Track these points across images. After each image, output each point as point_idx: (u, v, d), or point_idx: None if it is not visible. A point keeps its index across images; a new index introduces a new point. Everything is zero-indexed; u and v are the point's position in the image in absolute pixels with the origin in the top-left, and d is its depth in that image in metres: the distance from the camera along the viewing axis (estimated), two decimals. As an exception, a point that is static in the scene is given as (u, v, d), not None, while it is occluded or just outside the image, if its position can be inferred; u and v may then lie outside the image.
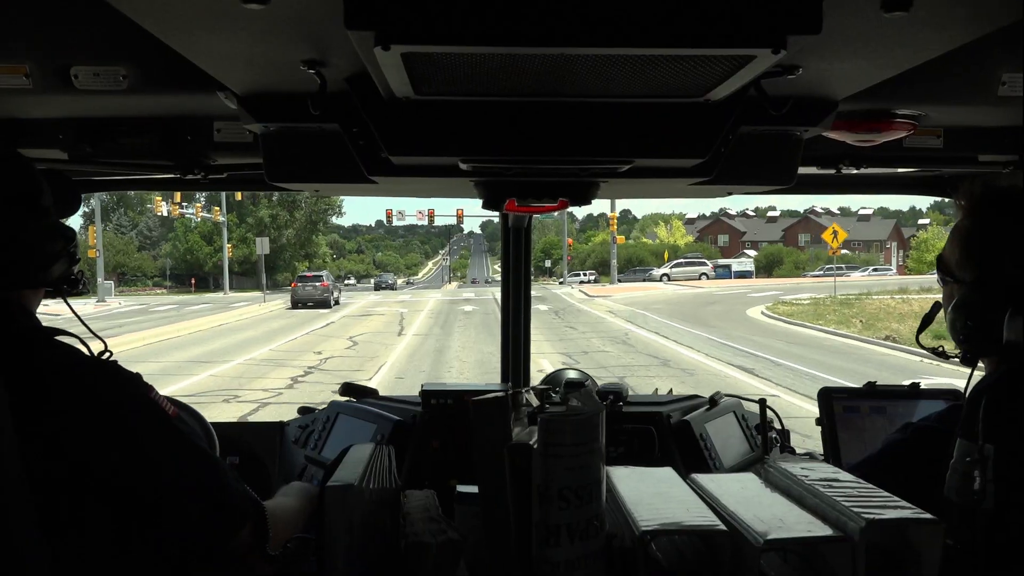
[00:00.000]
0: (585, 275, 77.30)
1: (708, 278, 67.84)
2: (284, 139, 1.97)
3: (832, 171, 2.51)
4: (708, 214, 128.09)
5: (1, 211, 1.62)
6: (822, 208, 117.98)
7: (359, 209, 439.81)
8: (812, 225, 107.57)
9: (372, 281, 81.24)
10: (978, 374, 1.79)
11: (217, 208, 66.23)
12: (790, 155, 2.02)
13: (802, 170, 2.19)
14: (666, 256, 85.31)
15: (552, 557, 1.20)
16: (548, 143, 1.73)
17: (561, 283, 72.55)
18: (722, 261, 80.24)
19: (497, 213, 2.68)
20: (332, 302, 40.50)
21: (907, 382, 2.67)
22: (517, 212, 2.40)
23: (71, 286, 1.79)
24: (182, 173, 2.44)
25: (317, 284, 41.44)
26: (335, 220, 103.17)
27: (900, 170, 2.71)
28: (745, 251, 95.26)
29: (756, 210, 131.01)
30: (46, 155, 2.32)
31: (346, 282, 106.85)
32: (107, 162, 2.39)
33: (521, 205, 2.12)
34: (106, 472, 1.52)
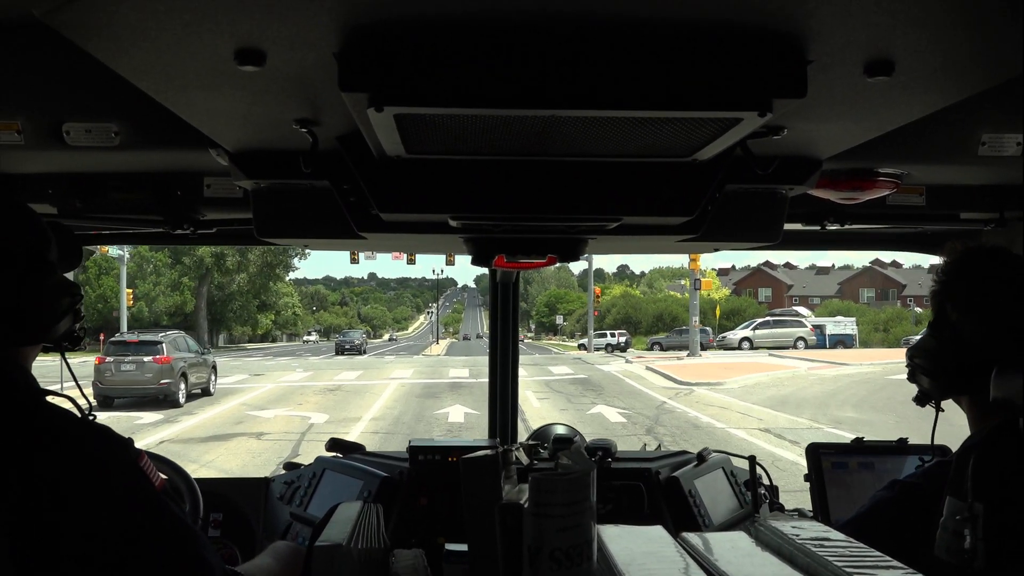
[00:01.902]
0: (614, 335, 61.62)
1: (807, 345, 50.63)
2: (274, 195, 1.98)
3: (817, 227, 2.54)
4: (742, 266, 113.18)
5: (8, 265, 1.61)
6: (890, 260, 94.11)
7: (348, 262, 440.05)
8: (877, 278, 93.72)
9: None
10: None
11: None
12: (776, 212, 2.05)
13: (788, 226, 2.22)
14: (717, 312, 67.65)
15: (543, 619, 1.19)
16: (537, 201, 1.75)
17: (582, 347, 59.32)
18: (812, 320, 58.97)
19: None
20: (176, 394, 21.40)
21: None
22: (506, 268, 2.41)
23: (73, 343, 1.78)
24: (171, 228, 2.45)
25: (145, 359, 21.16)
26: (298, 263, 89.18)
27: (884, 227, 2.74)
28: (794, 307, 76.45)
29: (813, 266, 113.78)
30: (35, 210, 2.32)
31: (305, 338, 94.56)
32: (97, 217, 2.39)
33: (510, 261, 2.13)
34: (86, 541, 1.49)
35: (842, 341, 52.43)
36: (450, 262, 41.09)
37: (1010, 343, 1.66)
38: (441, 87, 1.21)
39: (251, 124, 1.61)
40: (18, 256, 1.62)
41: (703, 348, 51.11)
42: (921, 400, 1.94)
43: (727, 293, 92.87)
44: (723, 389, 24.80)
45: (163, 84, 1.38)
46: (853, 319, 58.51)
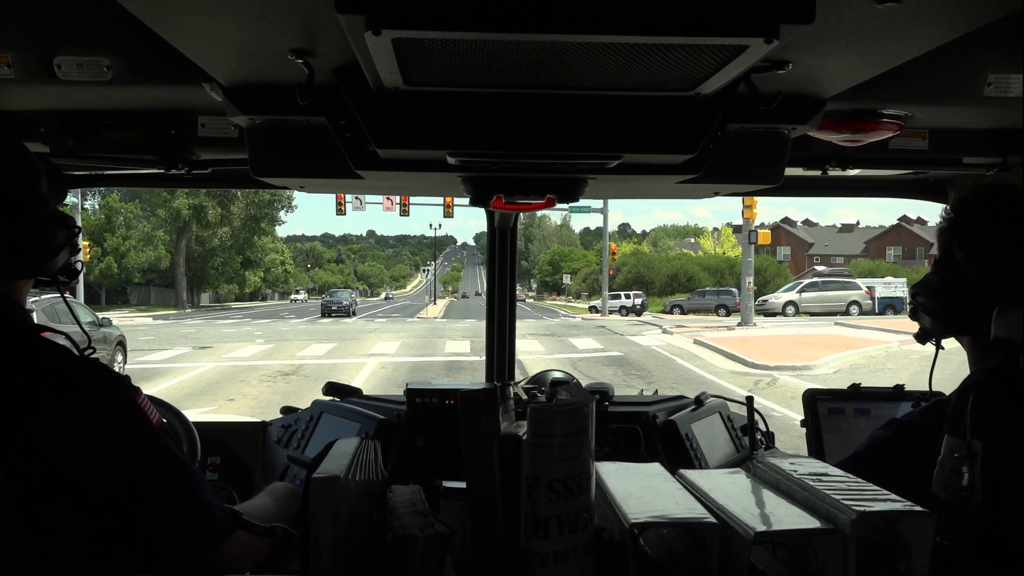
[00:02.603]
0: (629, 296, 54.97)
1: (860, 310, 44.82)
2: (269, 132, 1.96)
3: (818, 172, 2.52)
4: (759, 223, 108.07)
5: (1, 199, 1.59)
6: (916, 216, 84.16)
7: (349, 218, 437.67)
8: (904, 235, 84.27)
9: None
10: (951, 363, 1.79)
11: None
12: (777, 154, 2.03)
13: (788, 171, 2.20)
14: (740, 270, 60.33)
15: (540, 549, 1.19)
16: (537, 137, 1.72)
17: (594, 310, 54.23)
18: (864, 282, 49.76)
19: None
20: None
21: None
22: (503, 210, 2.39)
23: (70, 276, 1.77)
24: (166, 168, 2.42)
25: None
26: (285, 216, 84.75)
27: (885, 172, 2.72)
28: (816, 267, 69.63)
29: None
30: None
31: (293, 297, 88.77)
32: (90, 156, 2.36)
33: (508, 202, 2.11)
34: (84, 476, 1.49)
35: (892, 305, 45.60)
36: (448, 214, 38.38)
37: (1014, 284, 1.65)
38: (440, 8, 1.18)
39: (245, 54, 1.58)
40: (10, 189, 1.60)
41: (728, 312, 48.21)
42: (922, 338, 1.94)
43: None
44: (815, 376, 18.48)
45: (155, 9, 1.34)
46: (903, 280, 49.73)
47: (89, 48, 1.82)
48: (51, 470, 1.47)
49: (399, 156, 1.88)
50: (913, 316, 1.95)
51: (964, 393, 1.59)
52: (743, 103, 1.70)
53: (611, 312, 50.22)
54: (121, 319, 27.04)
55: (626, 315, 50.48)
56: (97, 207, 58.04)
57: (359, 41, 1.27)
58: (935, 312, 1.86)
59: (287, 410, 3.09)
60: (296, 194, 66.63)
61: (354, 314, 52.42)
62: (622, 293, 56.64)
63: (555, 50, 1.32)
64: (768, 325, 35.06)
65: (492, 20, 1.19)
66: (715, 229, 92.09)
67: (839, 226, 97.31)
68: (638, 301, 54.48)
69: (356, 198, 38.32)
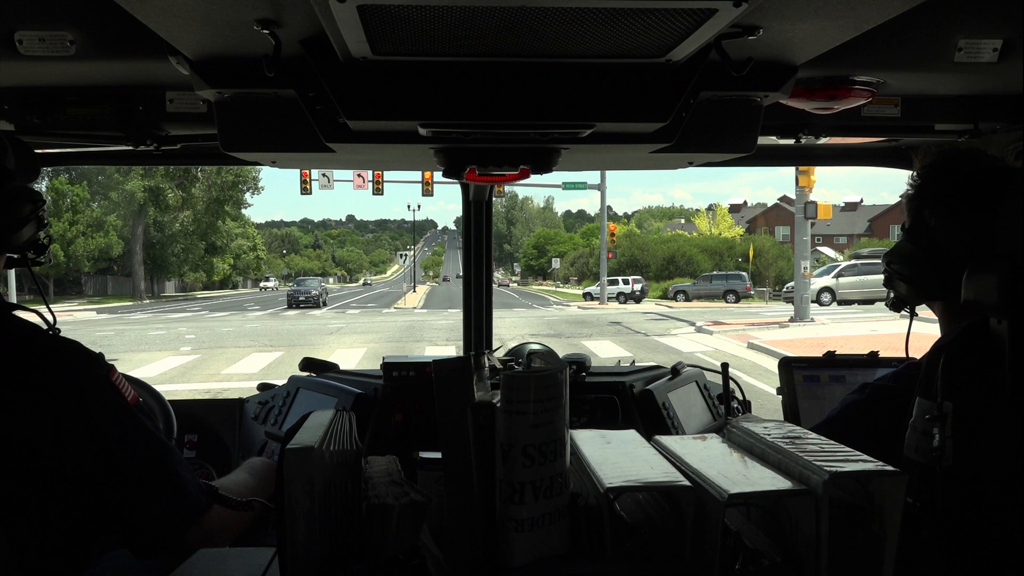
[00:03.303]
0: (627, 282, 49.98)
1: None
2: (238, 106, 1.93)
3: (791, 141, 2.53)
4: (756, 202, 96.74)
5: None
6: None
7: (328, 203, 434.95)
8: None
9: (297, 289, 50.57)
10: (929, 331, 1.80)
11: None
12: (750, 122, 2.03)
13: (762, 140, 2.20)
14: (751, 253, 56.42)
15: (516, 514, 1.19)
16: (509, 106, 1.71)
17: (589, 296, 50.35)
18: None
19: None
20: None
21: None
22: (478, 182, 2.38)
23: (38, 252, 1.75)
24: (134, 144, 2.39)
25: None
26: (251, 198, 74.66)
27: (858, 140, 2.73)
28: (818, 248, 66.23)
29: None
30: None
31: (262, 285, 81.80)
32: (56, 133, 2.33)
33: (482, 174, 2.09)
34: (59, 454, 1.49)
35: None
36: (427, 192, 35.14)
37: (985, 246, 1.67)
38: None
39: (211, 25, 1.55)
40: None
41: (738, 298, 44.54)
42: (896, 305, 1.96)
43: (741, 231, 79.25)
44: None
45: None
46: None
47: (51, 22, 1.78)
48: (25, 448, 1.46)
49: (370, 128, 1.86)
50: (888, 284, 1.97)
51: (935, 355, 1.60)
52: (715, 70, 1.69)
53: (609, 299, 45.99)
54: (62, 312, 24.03)
55: (624, 302, 46.74)
56: (44, 189, 49.63)
57: (324, 9, 1.26)
58: (910, 278, 1.87)
59: (264, 386, 3.08)
60: (264, 175, 62.86)
61: (324, 304, 47.83)
62: (620, 278, 51.18)
63: (523, 16, 1.31)
64: (826, 319, 28.28)
65: None
66: (710, 208, 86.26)
67: (842, 204, 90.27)
68: (637, 287, 49.94)
69: (323, 175, 34.89)
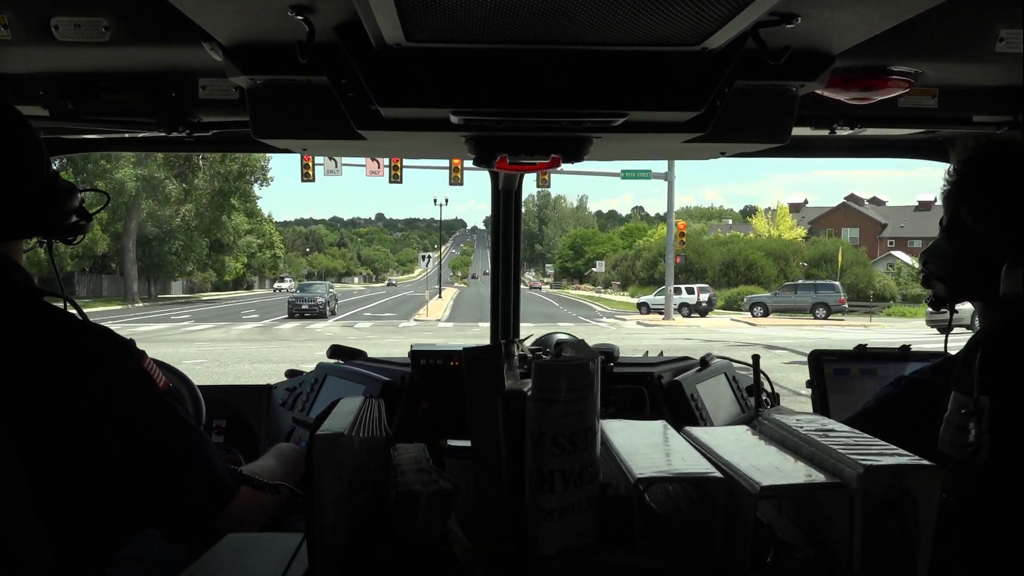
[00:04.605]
0: (691, 291, 42.90)
1: None
2: (271, 93, 1.94)
3: (825, 132, 2.49)
4: (817, 203, 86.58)
5: (15, 161, 1.60)
6: None
7: (356, 202, 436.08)
8: None
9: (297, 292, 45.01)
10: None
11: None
12: (785, 112, 2.00)
13: (796, 131, 2.17)
14: (840, 258, 49.78)
15: (545, 503, 1.18)
16: (542, 94, 1.70)
17: (647, 308, 42.88)
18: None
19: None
20: None
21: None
22: (508, 171, 2.37)
23: (67, 233, 1.79)
24: (167, 130, 2.41)
25: None
26: (259, 189, 69.66)
27: (894, 132, 2.69)
28: (891, 252, 63.53)
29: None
30: (27, 112, 2.28)
31: (276, 286, 76.86)
32: (89, 119, 2.34)
33: (513, 163, 2.09)
34: (92, 440, 1.50)
35: None
36: (456, 180, 31.13)
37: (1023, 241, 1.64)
38: None
39: (245, 12, 1.55)
40: (17, 152, 1.61)
41: (828, 312, 38.14)
42: (936, 304, 1.93)
43: (803, 233, 73.34)
44: None
45: None
46: None
47: (87, 8, 1.80)
48: (58, 434, 1.47)
49: (402, 115, 1.86)
50: (925, 283, 1.93)
51: (972, 349, 1.58)
52: (750, 59, 1.67)
53: (651, 309, 41.51)
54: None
55: (688, 315, 40.66)
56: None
57: None
58: (947, 277, 1.84)
59: (292, 373, 3.10)
60: (272, 166, 58.02)
61: (333, 314, 41.50)
62: (683, 287, 43.22)
63: (559, 3, 1.30)
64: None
65: None
66: (769, 209, 79.21)
67: (915, 204, 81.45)
68: (704, 297, 42.46)
69: (331, 159, 30.80)
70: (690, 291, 42.71)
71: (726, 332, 29.74)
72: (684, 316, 40.19)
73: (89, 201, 1.85)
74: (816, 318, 38.84)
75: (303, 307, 39.97)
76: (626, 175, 35.20)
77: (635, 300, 52.61)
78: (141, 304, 49.52)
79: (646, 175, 35.89)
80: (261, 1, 1.49)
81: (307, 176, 30.92)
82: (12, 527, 1.37)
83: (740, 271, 57.61)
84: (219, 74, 2.05)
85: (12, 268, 1.61)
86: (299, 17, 1.53)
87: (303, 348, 22.46)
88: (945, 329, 1.89)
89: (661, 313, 39.45)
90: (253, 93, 1.94)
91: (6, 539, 1.36)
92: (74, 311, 1.63)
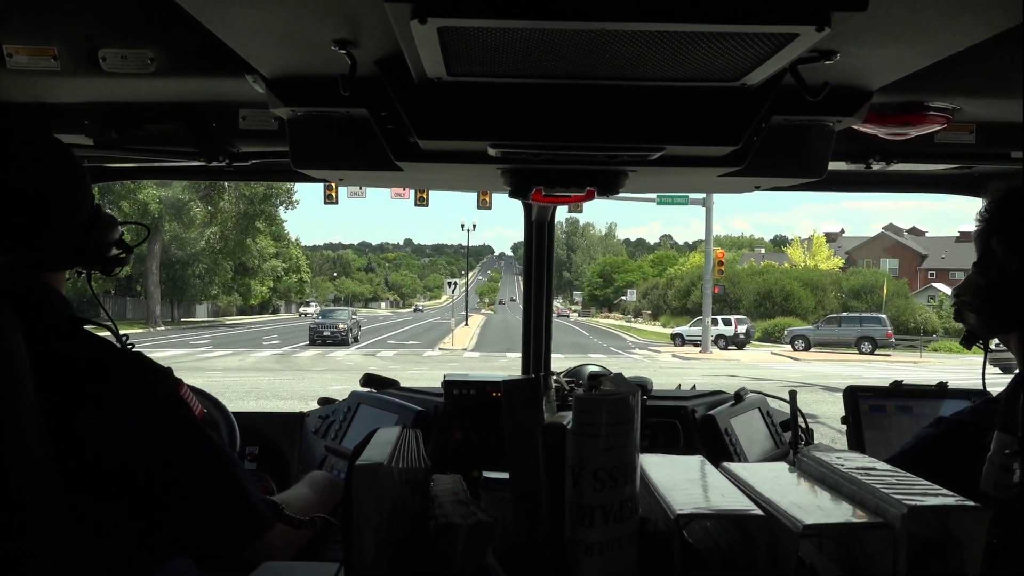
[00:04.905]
0: (728, 322, 41.48)
1: None
2: (311, 124, 1.97)
3: (861, 166, 2.49)
4: (854, 234, 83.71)
5: (61, 193, 1.65)
6: None
7: (385, 227, 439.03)
8: None
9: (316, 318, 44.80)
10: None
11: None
12: (822, 147, 2.00)
13: (831, 165, 2.17)
14: (885, 290, 49.07)
15: (586, 538, 1.18)
16: (579, 128, 1.71)
17: (681, 340, 41.57)
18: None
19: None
20: None
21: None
22: (542, 203, 2.38)
23: (108, 265, 1.83)
24: (207, 160, 2.45)
25: None
26: (284, 213, 70.00)
27: (930, 167, 2.68)
28: (932, 284, 62.08)
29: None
30: (72, 140, 2.33)
31: (302, 310, 76.36)
32: (132, 148, 2.39)
33: (548, 195, 2.10)
34: (126, 468, 1.51)
35: None
36: (484, 204, 31.09)
37: None
38: None
39: (288, 45, 1.58)
40: (63, 189, 1.65)
41: (875, 347, 36.58)
42: (968, 340, 1.91)
43: (840, 263, 71.50)
44: None
45: (201, 0, 1.35)
46: None
47: (134, 40, 1.84)
48: (95, 462, 1.48)
49: (440, 148, 1.88)
50: (958, 317, 1.91)
51: (1016, 389, 1.56)
52: (788, 94, 1.68)
53: (689, 341, 39.36)
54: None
55: (725, 347, 38.95)
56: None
57: (404, 30, 1.27)
58: (980, 310, 1.83)
59: (324, 401, 3.11)
60: (298, 189, 55.43)
61: (356, 340, 40.30)
62: (719, 317, 40.95)
63: (602, 39, 1.31)
64: None
65: (539, 8, 1.19)
66: (805, 238, 76.01)
67: (957, 235, 76.87)
68: (741, 329, 40.75)
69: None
70: (727, 322, 41.12)
71: (770, 367, 28.42)
72: (720, 348, 38.52)
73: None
74: (861, 352, 37.46)
75: (325, 334, 38.63)
76: (661, 200, 32.96)
77: (668, 330, 50.83)
78: (163, 328, 48.98)
79: (683, 200, 34.90)
80: (305, 35, 1.52)
81: (330, 198, 29.87)
82: (48, 551, 1.38)
83: (776, 302, 55.53)
84: (260, 105, 2.08)
85: (54, 296, 1.63)
86: (342, 51, 1.56)
87: (318, 380, 21.19)
88: (1008, 368, 1.86)
89: (696, 345, 37.88)
90: (293, 124, 1.97)
91: (43, 564, 1.37)
92: (113, 339, 1.66)
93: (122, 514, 1.51)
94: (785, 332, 42.35)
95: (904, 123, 2.11)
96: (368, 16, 1.39)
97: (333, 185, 29.92)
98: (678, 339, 43.13)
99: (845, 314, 43.11)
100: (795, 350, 38.33)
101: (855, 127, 2.05)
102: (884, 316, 40.13)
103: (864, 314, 42.49)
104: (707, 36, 1.29)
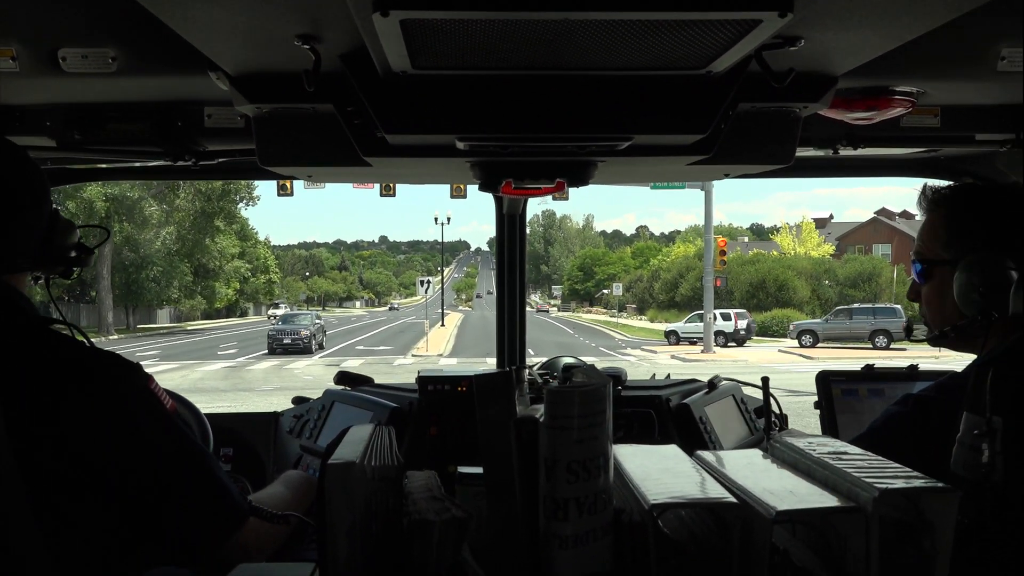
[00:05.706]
0: (728, 317, 37.89)
1: None
2: (276, 121, 1.95)
3: (829, 152, 2.50)
4: (845, 219, 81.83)
5: (22, 195, 1.64)
6: None
7: (360, 224, 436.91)
8: None
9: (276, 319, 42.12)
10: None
11: None
12: (789, 133, 2.01)
13: (799, 152, 2.19)
14: (894, 278, 46.64)
15: (560, 531, 1.18)
16: (547, 119, 1.71)
17: (676, 337, 38.44)
18: None
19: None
20: None
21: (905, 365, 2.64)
22: (513, 196, 2.38)
23: (69, 264, 1.81)
24: (173, 159, 2.42)
25: None
26: (244, 210, 64.52)
27: (897, 151, 2.70)
28: None
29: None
30: (34, 143, 2.30)
31: (270, 312, 70.82)
32: (96, 149, 2.36)
33: (518, 188, 2.09)
34: (103, 465, 1.50)
35: None
36: (458, 194, 26.67)
37: None
38: None
39: (251, 41, 1.57)
40: (19, 188, 1.63)
41: (890, 341, 33.51)
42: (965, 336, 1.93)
43: (831, 249, 68.07)
44: None
45: None
46: None
47: (94, 39, 1.81)
48: (71, 460, 1.47)
49: (407, 142, 1.87)
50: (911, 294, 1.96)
51: (983, 369, 1.57)
52: (754, 82, 1.68)
53: (690, 340, 35.77)
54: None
55: (725, 344, 35.78)
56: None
57: (367, 23, 1.26)
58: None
59: (299, 400, 3.10)
60: (259, 186, 54.18)
61: (320, 347, 37.28)
62: (718, 312, 36.11)
63: (565, 29, 1.31)
64: None
65: None
66: (795, 225, 73.66)
67: None
68: (741, 324, 37.41)
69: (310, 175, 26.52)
70: (726, 317, 37.52)
71: (786, 370, 25.05)
72: (720, 346, 35.14)
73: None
74: (876, 347, 34.55)
75: (285, 341, 35.50)
76: (656, 185, 28.62)
77: (658, 326, 47.78)
78: (116, 336, 45.75)
79: (680, 184, 30.73)
80: (269, 31, 1.50)
81: (284, 189, 28.13)
82: (17, 552, 1.36)
83: (770, 292, 51.88)
84: (225, 103, 2.06)
85: (19, 298, 1.62)
86: (306, 46, 1.54)
87: (262, 403, 17.47)
88: None
89: (694, 343, 35.13)
90: (259, 121, 1.95)
91: (11, 564, 1.35)
92: (82, 338, 1.65)
93: (98, 514, 1.50)
94: (791, 327, 39.61)
95: (869, 108, 2.12)
96: (331, 10, 1.38)
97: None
98: (672, 337, 40.20)
99: (856, 305, 40.54)
100: (802, 346, 35.96)
101: (821, 113, 2.06)
102: (899, 307, 37.02)
103: (878, 305, 40.11)
104: (671, 24, 1.28)
